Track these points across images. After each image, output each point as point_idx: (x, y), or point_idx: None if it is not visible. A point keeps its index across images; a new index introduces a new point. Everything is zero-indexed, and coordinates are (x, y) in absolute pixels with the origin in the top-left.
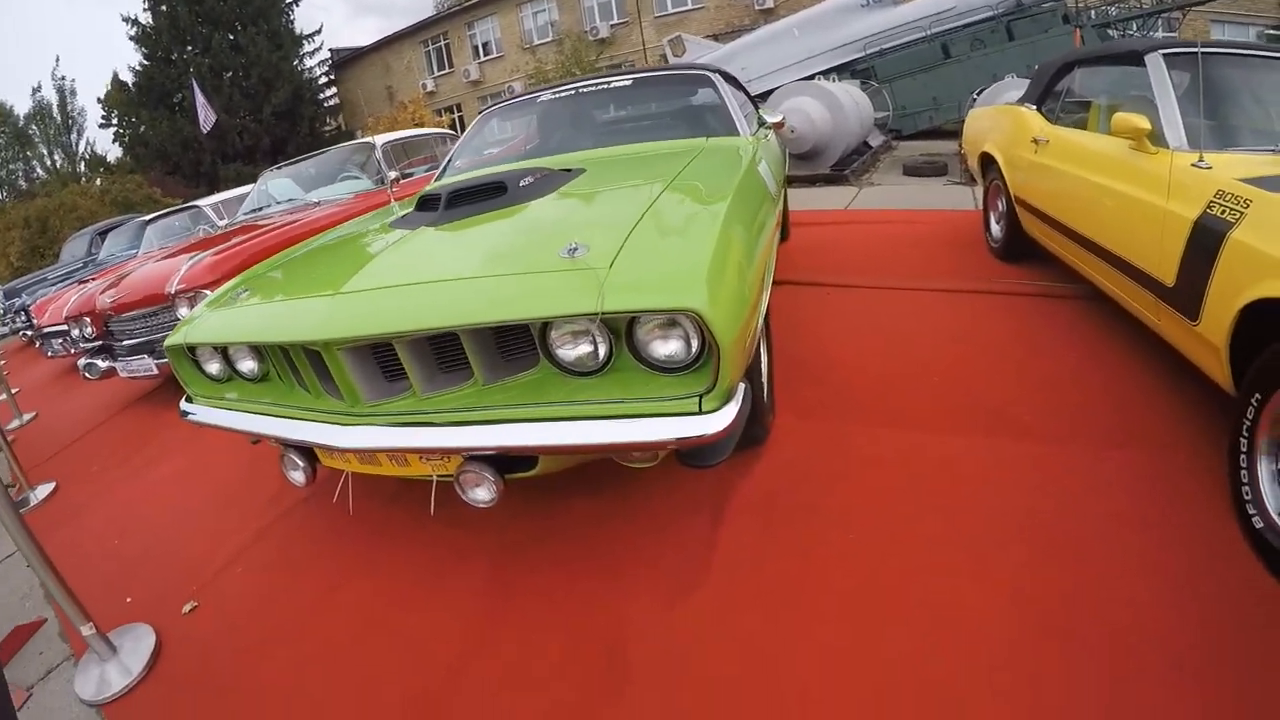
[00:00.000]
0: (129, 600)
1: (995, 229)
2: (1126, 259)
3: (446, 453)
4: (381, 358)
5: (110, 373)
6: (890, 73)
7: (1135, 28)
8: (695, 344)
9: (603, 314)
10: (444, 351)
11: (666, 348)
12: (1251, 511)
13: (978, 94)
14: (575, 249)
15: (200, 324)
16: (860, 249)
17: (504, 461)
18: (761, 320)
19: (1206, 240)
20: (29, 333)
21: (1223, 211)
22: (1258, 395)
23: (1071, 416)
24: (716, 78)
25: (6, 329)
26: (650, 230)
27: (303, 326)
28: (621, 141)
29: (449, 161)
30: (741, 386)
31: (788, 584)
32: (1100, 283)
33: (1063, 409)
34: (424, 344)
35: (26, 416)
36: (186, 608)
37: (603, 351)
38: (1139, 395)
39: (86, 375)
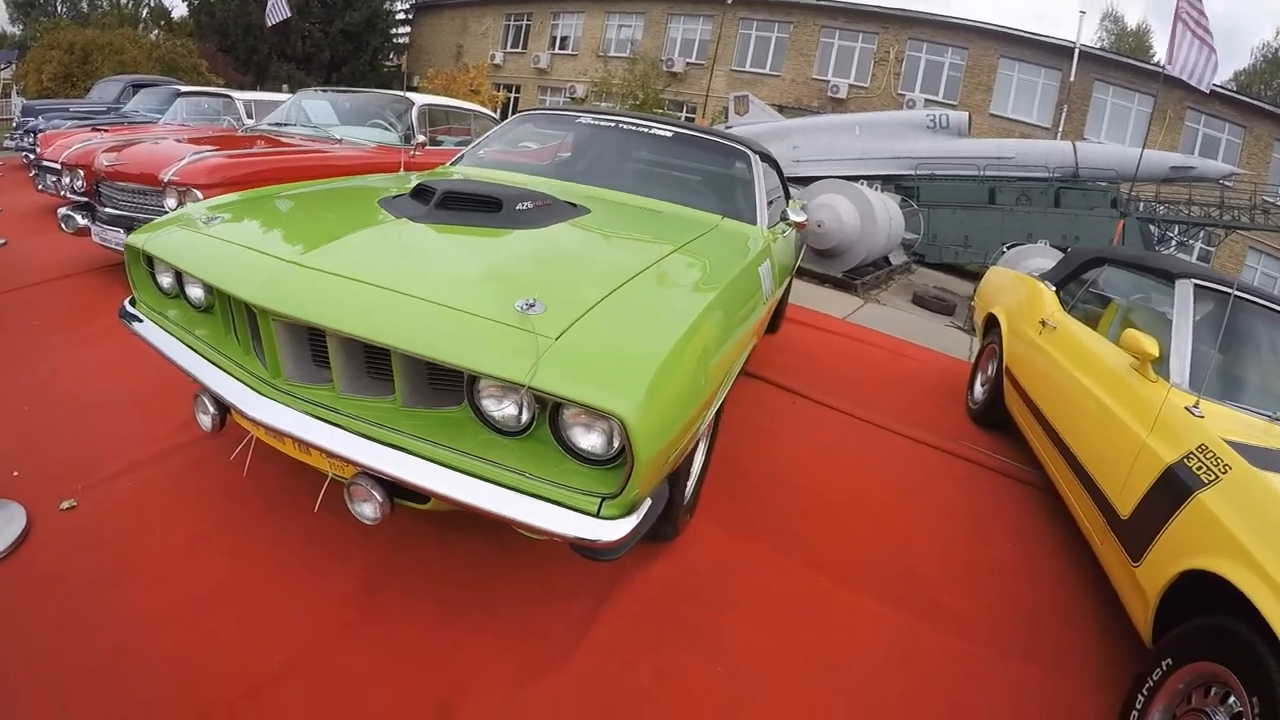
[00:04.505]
0: (15, 474)
1: (979, 390)
2: (1091, 474)
3: (344, 460)
4: (315, 340)
5: (84, 231)
6: (932, 198)
7: (1177, 230)
8: (616, 445)
9: (529, 387)
10: (374, 357)
11: (588, 439)
12: None
13: (1008, 247)
14: (533, 305)
15: (163, 236)
16: (842, 366)
17: (397, 487)
18: (703, 428)
19: (1173, 490)
20: (30, 156)
21: (1198, 467)
22: (1169, 661)
23: (985, 610)
24: (755, 159)
25: (13, 144)
26: (617, 308)
27: (247, 283)
28: (640, 191)
29: (473, 148)
30: (647, 501)
31: (638, 699)
32: (1060, 486)
33: (979, 599)
34: (355, 344)
35: None
36: (65, 504)
37: (525, 418)
38: (1058, 610)
39: (62, 226)
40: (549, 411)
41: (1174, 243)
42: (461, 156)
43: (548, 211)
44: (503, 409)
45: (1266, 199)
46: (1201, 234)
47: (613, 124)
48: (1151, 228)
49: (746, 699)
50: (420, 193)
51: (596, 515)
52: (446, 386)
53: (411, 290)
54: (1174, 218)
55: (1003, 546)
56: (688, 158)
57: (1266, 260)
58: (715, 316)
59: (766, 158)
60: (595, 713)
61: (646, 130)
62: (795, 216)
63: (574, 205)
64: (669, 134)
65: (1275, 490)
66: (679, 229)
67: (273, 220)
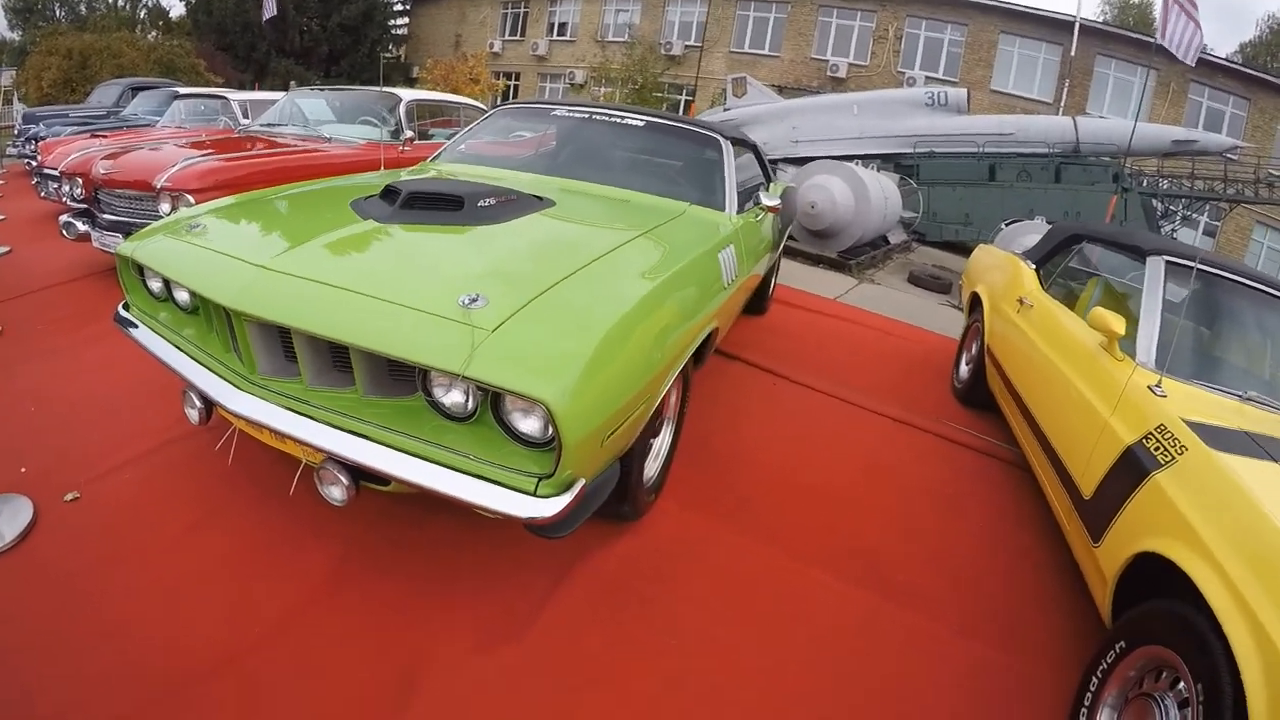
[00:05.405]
0: (23, 470)
1: (964, 369)
2: (1058, 453)
3: (313, 448)
4: (285, 338)
5: (85, 237)
6: (932, 176)
7: (1182, 205)
8: (551, 429)
9: (464, 377)
10: (337, 352)
11: (526, 423)
12: None
13: (1007, 224)
14: (476, 299)
15: (150, 245)
16: (829, 347)
17: (361, 471)
18: (649, 413)
19: (1131, 470)
20: (33, 163)
21: (1156, 448)
22: (1122, 643)
23: (949, 590)
24: (726, 145)
25: (15, 152)
26: (559, 298)
27: (221, 288)
28: (610, 181)
29: (452, 144)
30: (580, 481)
31: (592, 667)
32: (1033, 465)
33: (943, 579)
34: (319, 340)
35: (1, 249)
36: (69, 496)
37: (471, 405)
38: (1025, 590)
39: (64, 233)
40: (490, 399)
41: (1178, 217)
42: (441, 152)
43: (511, 206)
44: (450, 397)
45: (1272, 172)
46: (1207, 209)
47: (586, 115)
48: (1155, 203)
49: (696, 670)
50: (388, 194)
51: (534, 494)
52: (403, 377)
53: (366, 289)
54: (1177, 192)
55: (974, 526)
56: (660, 146)
57: (1273, 235)
58: (661, 303)
59: (741, 143)
60: (550, 678)
61: (619, 120)
62: (768, 201)
63: (540, 198)
64: (641, 123)
65: (1227, 472)
66: (642, 217)
67: (251, 225)
